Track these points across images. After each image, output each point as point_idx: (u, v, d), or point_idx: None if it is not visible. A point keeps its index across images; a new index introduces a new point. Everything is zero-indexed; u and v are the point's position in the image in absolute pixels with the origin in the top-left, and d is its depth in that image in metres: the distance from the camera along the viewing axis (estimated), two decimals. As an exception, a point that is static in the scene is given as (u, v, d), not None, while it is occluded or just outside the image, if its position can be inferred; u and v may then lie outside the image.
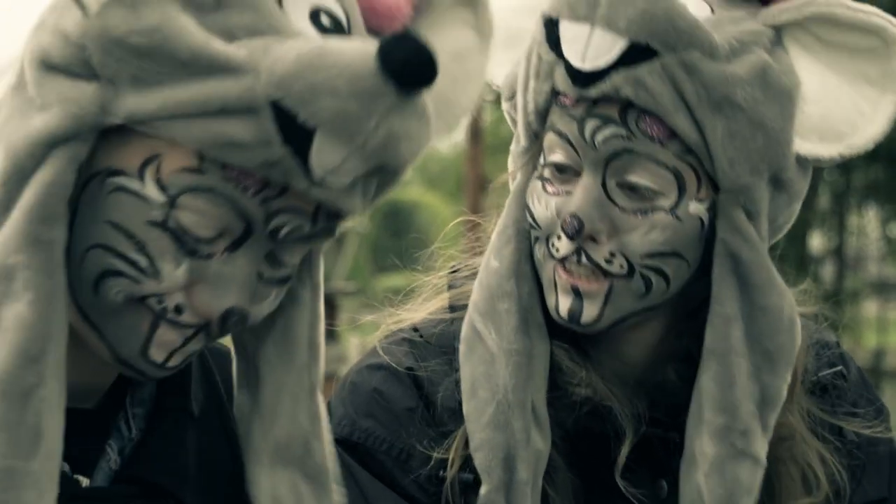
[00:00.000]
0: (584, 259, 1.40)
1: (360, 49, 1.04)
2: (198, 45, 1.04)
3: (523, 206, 1.47)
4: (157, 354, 1.13)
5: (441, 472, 1.47)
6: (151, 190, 1.08)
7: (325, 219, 1.13)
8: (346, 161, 1.06)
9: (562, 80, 1.38)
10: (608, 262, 1.39)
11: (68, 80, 1.07)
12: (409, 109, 1.06)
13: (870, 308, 13.10)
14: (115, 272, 1.09)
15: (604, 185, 1.39)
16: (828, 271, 9.91)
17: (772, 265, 1.42)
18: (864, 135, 1.42)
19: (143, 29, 1.04)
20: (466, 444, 1.46)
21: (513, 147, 1.52)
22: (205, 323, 1.13)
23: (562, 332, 1.48)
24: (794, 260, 7.03)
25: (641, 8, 1.33)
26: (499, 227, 1.49)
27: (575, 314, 1.42)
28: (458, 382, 1.49)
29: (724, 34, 1.38)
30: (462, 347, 1.47)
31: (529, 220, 1.46)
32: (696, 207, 1.40)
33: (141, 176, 1.08)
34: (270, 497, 1.22)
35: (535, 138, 1.46)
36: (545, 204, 1.43)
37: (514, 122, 1.52)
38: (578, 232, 1.38)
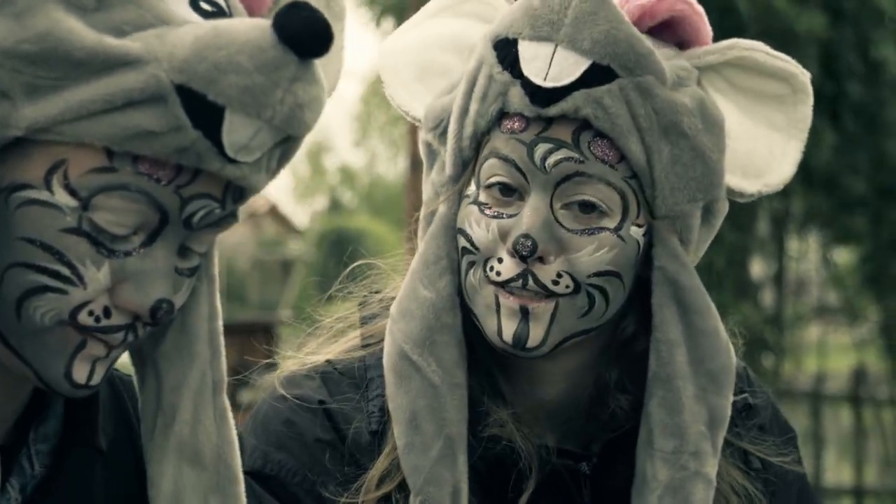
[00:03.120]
0: (530, 283, 1.41)
1: (255, 24, 1.07)
2: (92, 44, 1.04)
3: (454, 238, 1.47)
4: (79, 372, 1.12)
5: None
6: (62, 197, 1.07)
7: (233, 201, 1.14)
8: (256, 135, 1.08)
9: (518, 100, 1.40)
10: (555, 283, 1.41)
11: None
12: (309, 77, 1.09)
13: (811, 333, 13.23)
14: (40, 288, 1.08)
15: (550, 206, 1.41)
16: (768, 297, 10.01)
17: (704, 289, 1.45)
18: (779, 175, 1.48)
19: (32, 36, 1.04)
20: (379, 482, 1.46)
21: (433, 177, 1.52)
22: (132, 321, 1.13)
23: (477, 367, 1.49)
24: (734, 285, 7.11)
25: (605, 30, 1.36)
26: (428, 258, 1.48)
27: (521, 339, 1.42)
28: (370, 415, 1.50)
29: (667, 66, 1.42)
30: (390, 377, 1.47)
31: (465, 243, 1.45)
32: (635, 231, 1.42)
33: (48, 185, 1.07)
34: (171, 496, 1.22)
35: (464, 167, 1.47)
36: (485, 226, 1.43)
37: (432, 152, 1.53)
38: (532, 252, 1.39)
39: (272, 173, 1.16)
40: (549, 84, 1.38)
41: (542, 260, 1.40)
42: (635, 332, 1.49)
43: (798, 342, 11.65)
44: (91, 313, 1.10)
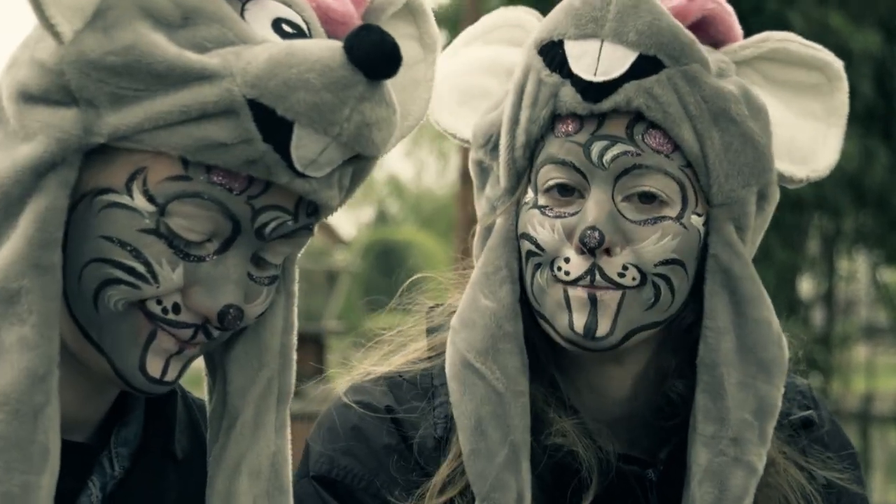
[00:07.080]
0: (598, 278, 1.42)
1: (327, 45, 1.11)
2: (172, 57, 1.09)
3: (515, 248, 1.49)
4: (153, 366, 1.17)
5: None
6: (140, 202, 1.13)
7: (306, 214, 1.18)
8: (324, 151, 1.12)
9: (570, 98, 1.42)
10: (621, 275, 1.42)
11: (49, 108, 1.12)
12: (377, 97, 1.12)
13: (860, 353, 13.14)
14: (114, 280, 1.13)
15: (612, 200, 1.43)
16: (817, 316, 9.93)
17: (759, 279, 1.46)
18: (824, 162, 1.51)
19: (118, 48, 1.09)
20: (442, 488, 1.47)
21: (488, 193, 1.54)
22: (202, 323, 1.17)
23: (540, 376, 1.50)
24: (784, 304, 7.06)
25: (648, 21, 1.39)
26: (488, 269, 1.50)
27: (590, 329, 1.43)
28: (435, 421, 1.51)
29: (709, 58, 1.44)
30: (454, 385, 1.48)
31: (529, 246, 1.47)
32: (695, 220, 1.44)
33: (129, 190, 1.13)
34: (224, 496, 1.24)
35: (519, 178, 1.49)
36: (549, 227, 1.45)
37: (483, 169, 1.55)
38: (600, 243, 1.40)
39: (344, 191, 1.20)
40: (599, 78, 1.41)
41: (608, 252, 1.42)
42: (694, 321, 1.49)
43: (846, 362, 11.57)
44: (159, 302, 1.15)
